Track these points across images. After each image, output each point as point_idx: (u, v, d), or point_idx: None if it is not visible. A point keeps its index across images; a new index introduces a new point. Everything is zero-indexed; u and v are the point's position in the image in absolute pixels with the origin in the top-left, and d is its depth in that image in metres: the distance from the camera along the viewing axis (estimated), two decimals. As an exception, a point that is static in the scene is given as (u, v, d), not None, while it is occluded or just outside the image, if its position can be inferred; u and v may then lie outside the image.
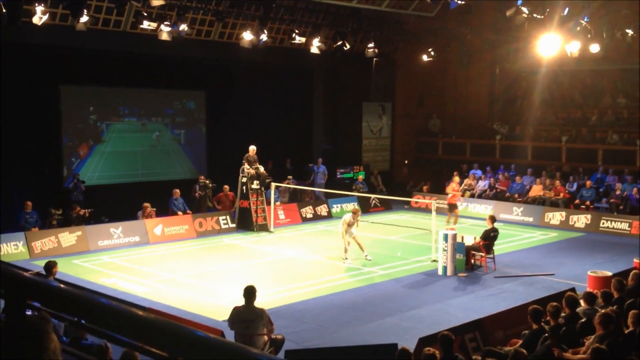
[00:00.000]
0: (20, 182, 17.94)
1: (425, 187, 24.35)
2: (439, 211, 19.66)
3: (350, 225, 15.28)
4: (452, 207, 20.21)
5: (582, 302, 9.12)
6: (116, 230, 17.21)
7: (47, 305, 3.01)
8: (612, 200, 20.80)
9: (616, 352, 6.78)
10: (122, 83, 20.52)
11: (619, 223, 19.60)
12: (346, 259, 15.37)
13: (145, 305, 10.62)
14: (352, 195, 21.64)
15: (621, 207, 20.44)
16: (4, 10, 14.20)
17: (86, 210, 17.46)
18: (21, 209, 16.70)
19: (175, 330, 2.74)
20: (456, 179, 21.50)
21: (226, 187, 20.03)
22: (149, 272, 14.51)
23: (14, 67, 17.48)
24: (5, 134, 17.56)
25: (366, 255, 15.48)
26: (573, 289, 10.80)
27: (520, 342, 8.21)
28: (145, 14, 16.94)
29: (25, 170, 18.09)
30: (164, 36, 17.29)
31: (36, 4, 15.30)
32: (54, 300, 2.95)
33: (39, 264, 12.52)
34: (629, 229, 19.31)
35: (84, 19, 16.03)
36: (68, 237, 16.35)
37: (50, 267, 10.30)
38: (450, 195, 20.33)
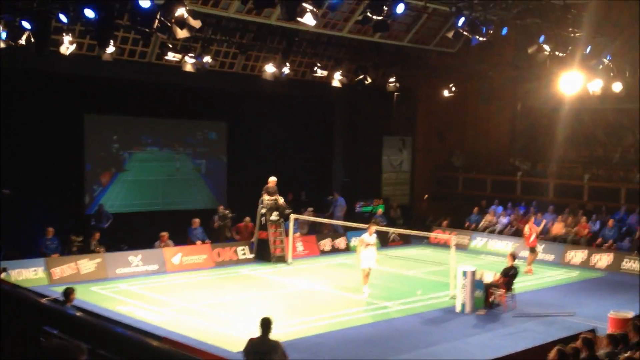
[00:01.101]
0: (42, 209, 18.14)
1: (445, 222, 24.20)
2: (459, 247, 19.53)
3: (368, 244, 15.24)
4: (533, 250, 19.28)
5: (604, 343, 8.94)
6: (135, 258, 17.29)
7: (63, 331, 3.04)
8: (634, 240, 20.50)
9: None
10: (145, 113, 20.80)
11: (642, 263, 19.27)
12: (364, 292, 15.26)
13: (161, 334, 10.60)
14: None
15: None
16: (32, 40, 14.51)
17: (101, 248, 17.44)
18: (42, 235, 16.86)
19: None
20: (532, 219, 20.52)
21: (247, 218, 20.09)
22: (166, 301, 14.51)
23: (41, 94, 17.86)
24: (29, 161, 17.85)
25: (365, 292, 15.36)
26: (593, 330, 10.60)
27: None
28: (170, 46, 17.23)
29: (48, 196, 18.29)
30: (188, 67, 17.54)
31: (64, 34, 15.63)
32: (69, 327, 2.97)
33: (58, 290, 12.59)
34: (652, 269, 18.98)
35: (111, 49, 16.33)
36: (87, 264, 16.46)
37: (68, 293, 10.35)
38: (532, 239, 19.15)
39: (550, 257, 20.85)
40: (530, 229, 19.30)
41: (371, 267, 15.38)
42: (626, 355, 7.67)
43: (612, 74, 19.95)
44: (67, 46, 15.82)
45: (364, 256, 15.30)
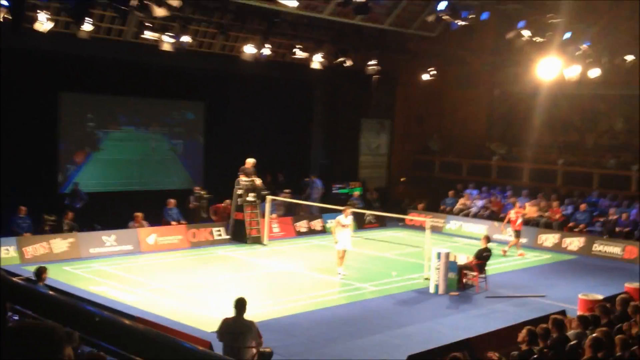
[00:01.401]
0: (15, 187, 17.92)
1: (420, 205, 24.36)
2: (434, 230, 19.70)
3: (344, 225, 15.33)
4: (518, 234, 19.57)
5: (574, 324, 9.12)
6: (109, 238, 17.18)
7: (32, 310, 3.02)
8: (605, 224, 20.84)
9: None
10: (121, 92, 20.55)
11: (612, 247, 19.63)
12: (340, 273, 15.36)
13: (135, 315, 10.59)
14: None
15: (617, 230, 20.43)
16: (7, 17, 14.24)
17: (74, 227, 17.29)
18: (14, 214, 16.67)
19: (161, 340, 2.75)
20: (518, 203, 20.85)
21: (227, 200, 20.01)
22: (140, 281, 14.48)
23: (15, 72, 17.52)
24: (2, 138, 17.57)
25: (340, 273, 15.39)
26: (563, 312, 10.80)
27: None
28: (148, 25, 17.02)
29: (21, 175, 18.06)
30: (166, 47, 17.34)
31: (40, 11, 15.36)
32: (38, 305, 2.96)
33: (30, 269, 12.48)
34: (622, 253, 19.34)
35: (87, 27, 16.08)
36: (60, 244, 16.33)
37: (40, 272, 10.30)
38: (518, 222, 19.50)
39: (523, 240, 21.09)
40: (517, 213, 19.62)
41: (346, 249, 15.45)
42: (593, 335, 7.84)
43: (589, 60, 20.15)
44: (43, 23, 15.56)
45: (340, 238, 15.36)
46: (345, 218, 15.47)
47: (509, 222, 19.81)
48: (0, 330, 2.22)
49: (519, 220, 19.54)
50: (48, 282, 10.69)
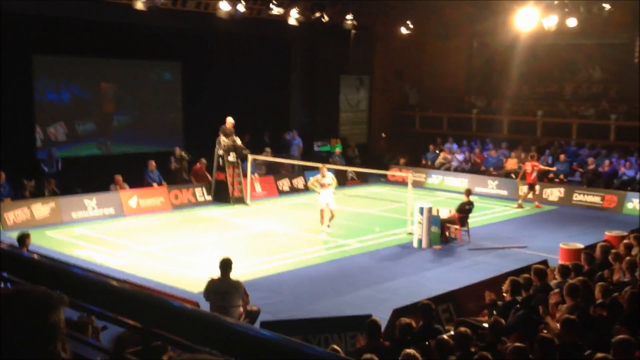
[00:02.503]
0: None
1: (402, 160, 24.43)
2: (416, 185, 19.81)
3: (323, 185, 15.21)
4: (532, 186, 19.60)
5: (555, 274, 9.28)
6: (90, 202, 17.05)
7: (20, 276, 2.99)
8: (584, 174, 21.09)
9: (587, 323, 6.91)
10: (96, 53, 20.15)
11: (592, 196, 19.89)
12: (324, 231, 15.40)
13: (120, 277, 10.58)
14: (328, 168, 21.60)
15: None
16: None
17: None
18: (-7, 180, 16.46)
19: (149, 300, 2.73)
20: (534, 157, 20.58)
21: (203, 160, 19.88)
22: (124, 245, 14.45)
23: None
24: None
25: (326, 227, 15.42)
26: (545, 262, 10.96)
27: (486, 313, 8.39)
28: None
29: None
30: (139, 6, 17.03)
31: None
32: (26, 271, 2.93)
33: (12, 236, 12.39)
34: (601, 202, 19.62)
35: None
36: (41, 209, 16.18)
37: (23, 238, 10.22)
38: (533, 176, 19.48)
39: (504, 192, 21.33)
40: (533, 167, 19.56)
41: (330, 207, 15.35)
42: (570, 282, 7.99)
43: (566, 10, 20.11)
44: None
45: (321, 197, 15.37)
46: (324, 178, 15.36)
47: (524, 175, 19.88)
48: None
49: (534, 174, 19.54)
50: (31, 248, 10.62)
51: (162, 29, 20.51)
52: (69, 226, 16.06)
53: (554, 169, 21.19)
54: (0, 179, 16.39)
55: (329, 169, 16.01)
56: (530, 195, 19.69)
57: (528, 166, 19.76)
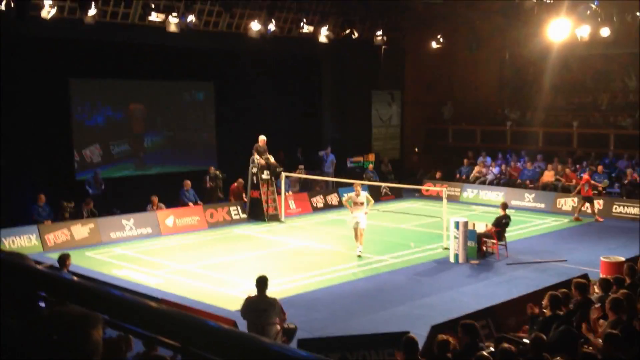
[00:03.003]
0: (32, 176, 18.03)
1: (438, 174, 24.25)
2: (451, 199, 19.65)
3: (356, 203, 14.77)
4: (590, 199, 19.35)
5: (596, 288, 9.09)
6: (128, 222, 17.29)
7: (61, 297, 3.03)
8: (624, 185, 20.67)
9: (630, 337, 6.74)
10: (131, 75, 20.54)
11: (631, 208, 19.48)
12: (360, 251, 14.94)
13: (158, 297, 10.68)
14: (362, 184, 21.56)
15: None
16: (12, 5, 14.25)
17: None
18: (33, 202, 16.80)
19: (187, 320, 2.75)
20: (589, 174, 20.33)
21: (240, 180, 20.01)
22: (161, 264, 14.59)
23: (24, 61, 17.55)
24: (17, 128, 17.67)
25: (359, 251, 14.91)
26: (585, 275, 10.75)
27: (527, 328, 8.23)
28: (152, 6, 16.93)
29: (37, 163, 18.16)
30: (172, 28, 17.30)
31: (45, -2, 15.33)
32: (67, 293, 2.97)
33: (53, 257, 12.61)
34: (642, 213, 19.20)
35: (92, 12, 16.04)
36: (80, 230, 16.45)
37: (63, 259, 10.38)
38: (587, 189, 19.24)
39: (541, 205, 21.03)
40: (586, 180, 19.36)
41: (360, 226, 14.76)
42: (613, 296, 7.80)
43: (600, 20, 19.84)
44: (48, 10, 15.54)
45: (353, 216, 14.87)
46: (358, 196, 14.88)
47: (580, 188, 19.54)
48: (34, 319, 2.24)
49: (587, 188, 19.27)
50: (71, 268, 10.79)
51: (194, 50, 20.83)
52: (108, 246, 16.28)
53: (602, 186, 20.65)
54: (40, 202, 16.73)
55: (362, 185, 15.94)
56: (588, 210, 19.35)
57: (584, 179, 19.46)
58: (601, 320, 7.69)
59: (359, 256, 14.85)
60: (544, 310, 8.32)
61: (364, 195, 15.07)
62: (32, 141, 18.04)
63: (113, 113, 20.49)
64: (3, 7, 14.00)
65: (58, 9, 16.10)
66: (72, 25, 17.31)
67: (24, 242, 15.41)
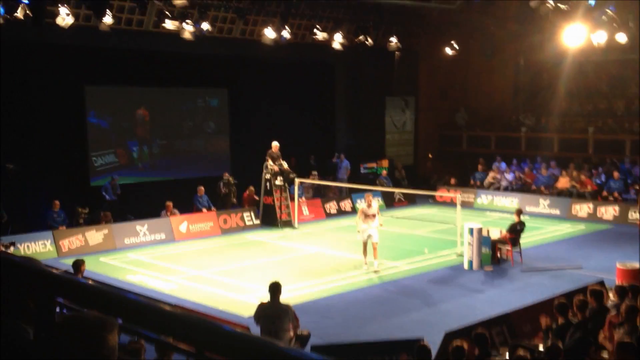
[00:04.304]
0: (47, 181, 18.18)
1: (452, 180, 24.16)
2: (465, 205, 19.56)
3: (368, 215, 13.90)
4: None
5: (611, 295, 9.00)
6: (142, 228, 17.36)
7: (77, 302, 3.04)
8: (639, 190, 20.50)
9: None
10: (145, 82, 20.67)
11: (648, 214, 19.28)
12: (366, 264, 14.24)
13: (172, 302, 10.70)
14: (376, 190, 21.58)
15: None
16: (29, 12, 14.38)
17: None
18: (48, 208, 16.92)
19: (202, 325, 2.75)
20: None
21: (251, 187, 20.05)
22: (175, 269, 14.62)
23: (40, 68, 17.73)
24: (32, 134, 17.83)
25: (366, 264, 14.11)
26: (601, 282, 10.66)
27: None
28: (167, 13, 17.03)
29: (52, 169, 18.31)
30: (186, 35, 17.37)
31: (60, 5, 15.45)
32: (84, 297, 2.98)
33: (67, 263, 12.67)
34: (659, 220, 19.00)
35: (107, 19, 16.17)
36: (95, 235, 16.54)
37: (78, 265, 10.43)
38: None
39: (557, 212, 20.89)
40: None
41: (373, 240, 13.94)
42: (627, 303, 7.72)
43: (615, 25, 19.70)
44: (64, 17, 15.66)
45: (365, 228, 13.96)
46: (370, 208, 14.04)
47: None
48: (52, 324, 2.25)
49: None
50: (86, 274, 10.83)
51: (208, 57, 20.94)
52: (122, 252, 16.36)
53: (568, 185, 20.32)
54: (55, 207, 16.84)
55: (375, 192, 15.75)
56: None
57: None
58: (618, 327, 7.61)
59: (376, 271, 14.04)
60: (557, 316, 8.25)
61: (376, 207, 14.29)
62: (47, 147, 18.19)
63: (127, 119, 20.60)
64: (20, 15, 14.12)
65: (73, 16, 16.23)
66: (87, 33, 17.46)
67: (38, 247, 15.50)
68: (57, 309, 3.34)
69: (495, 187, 23.19)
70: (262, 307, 8.63)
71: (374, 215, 13.99)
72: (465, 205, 20.59)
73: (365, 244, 14.07)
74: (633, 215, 19.54)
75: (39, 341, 2.43)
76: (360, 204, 15.23)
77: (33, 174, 17.71)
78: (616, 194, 20.75)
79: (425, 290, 12.93)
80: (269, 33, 18.98)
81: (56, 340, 2.13)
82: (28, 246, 15.37)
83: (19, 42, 16.26)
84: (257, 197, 19.93)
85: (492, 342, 8.64)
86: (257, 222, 19.42)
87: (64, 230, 16.37)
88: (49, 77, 18.08)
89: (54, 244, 15.86)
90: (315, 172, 22.07)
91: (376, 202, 14.73)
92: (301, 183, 20.31)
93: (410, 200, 23.27)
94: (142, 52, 19.67)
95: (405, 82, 26.55)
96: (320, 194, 22.17)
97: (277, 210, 19.24)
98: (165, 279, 13.77)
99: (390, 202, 22.55)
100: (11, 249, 13.63)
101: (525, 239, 15.83)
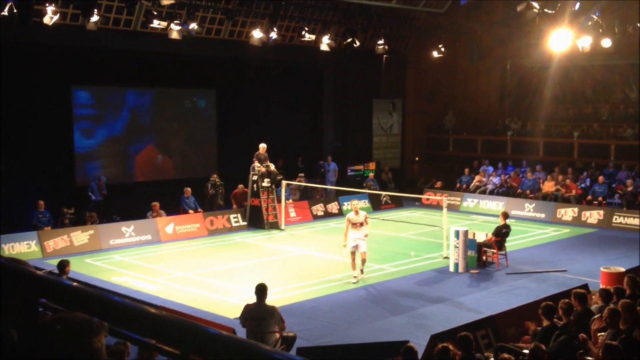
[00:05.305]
0: (32, 182, 18.05)
1: (439, 183, 24.25)
2: (451, 208, 19.64)
3: (355, 224, 13.30)
4: None
5: (596, 298, 9.07)
6: (128, 229, 17.28)
7: (61, 303, 3.02)
8: (624, 196, 20.66)
9: (631, 348, 6.72)
10: (132, 82, 20.58)
11: (632, 219, 19.46)
12: (355, 277, 13.56)
13: (157, 304, 10.66)
14: (362, 193, 21.63)
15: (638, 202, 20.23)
16: (15, 11, 14.28)
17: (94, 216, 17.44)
18: (33, 209, 16.80)
19: (187, 327, 2.74)
20: None
21: (241, 185, 20.01)
22: (161, 271, 14.56)
23: (26, 67, 17.61)
24: (18, 135, 17.70)
25: (355, 277, 13.49)
26: (586, 286, 10.74)
27: (529, 338, 8.20)
28: (155, 13, 16.99)
29: (38, 169, 18.19)
30: (174, 35, 17.33)
31: (47, 4, 15.36)
32: (68, 299, 2.96)
33: (52, 263, 12.59)
34: (642, 224, 19.16)
35: (95, 18, 16.09)
36: (80, 236, 16.44)
37: (63, 266, 10.37)
38: None
39: (542, 215, 21.02)
40: None
41: (360, 249, 13.37)
42: (611, 307, 7.78)
43: (601, 30, 19.87)
44: (51, 16, 15.58)
45: (351, 238, 13.37)
46: (356, 215, 13.50)
47: None
48: (35, 326, 2.23)
49: None
50: (71, 274, 10.77)
51: (196, 57, 20.90)
52: (107, 253, 16.26)
53: (553, 189, 20.42)
54: (40, 208, 16.73)
55: (362, 195, 15.77)
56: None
57: None
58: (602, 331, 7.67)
59: (361, 270, 13.61)
60: (542, 319, 8.30)
61: (363, 215, 13.58)
62: (33, 147, 18.07)
63: (115, 121, 20.49)
64: (6, 13, 14.02)
65: (60, 15, 16.14)
66: (75, 33, 17.37)
67: (23, 248, 15.38)
68: (41, 310, 3.32)
69: (481, 191, 23.30)
70: (248, 309, 8.63)
71: (360, 224, 13.33)
72: (452, 208, 20.67)
73: (353, 254, 13.52)
74: (617, 219, 19.70)
75: (22, 343, 2.41)
76: (348, 211, 14.81)
77: (19, 174, 17.59)
78: (600, 199, 20.91)
79: (411, 293, 12.96)
80: (257, 34, 18.97)
81: (40, 342, 2.12)
82: (12, 246, 15.24)
83: (5, 42, 16.13)
84: (246, 190, 19.75)
85: (477, 345, 8.68)
86: (244, 223, 19.38)
87: (49, 231, 16.26)
88: (35, 76, 17.99)
89: (39, 244, 15.74)
90: (302, 174, 22.07)
91: (363, 212, 13.92)
92: (288, 185, 20.30)
93: (397, 203, 23.33)
94: (130, 53, 19.58)
95: (392, 85, 26.64)
96: (307, 196, 22.18)
97: (264, 212, 19.21)
98: (150, 280, 13.71)
99: (377, 204, 22.59)
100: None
101: (511, 242, 15.91)
